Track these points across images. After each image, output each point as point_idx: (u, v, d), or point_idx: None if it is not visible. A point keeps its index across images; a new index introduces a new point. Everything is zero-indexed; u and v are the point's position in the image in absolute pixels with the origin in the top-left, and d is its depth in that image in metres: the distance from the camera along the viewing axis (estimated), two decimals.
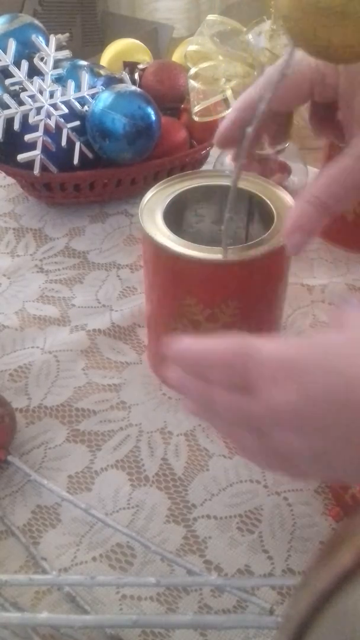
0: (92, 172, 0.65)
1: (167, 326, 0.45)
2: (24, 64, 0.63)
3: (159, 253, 0.40)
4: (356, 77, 0.34)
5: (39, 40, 0.66)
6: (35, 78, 0.63)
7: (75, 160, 0.64)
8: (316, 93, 0.36)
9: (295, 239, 0.37)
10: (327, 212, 0.36)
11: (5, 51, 0.63)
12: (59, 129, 0.62)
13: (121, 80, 0.69)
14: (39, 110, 0.62)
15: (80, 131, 0.64)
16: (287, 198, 0.44)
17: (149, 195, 0.45)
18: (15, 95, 0.62)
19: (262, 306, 0.44)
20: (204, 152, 0.70)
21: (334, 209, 0.36)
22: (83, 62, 0.69)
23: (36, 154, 0.61)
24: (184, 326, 0.43)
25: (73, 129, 0.63)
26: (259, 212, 0.46)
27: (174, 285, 0.42)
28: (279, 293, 0.45)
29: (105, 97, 0.62)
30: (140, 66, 0.73)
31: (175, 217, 0.46)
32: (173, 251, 0.40)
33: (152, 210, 0.43)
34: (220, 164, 0.66)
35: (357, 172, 0.35)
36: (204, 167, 0.74)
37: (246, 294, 0.41)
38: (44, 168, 0.62)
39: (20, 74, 0.63)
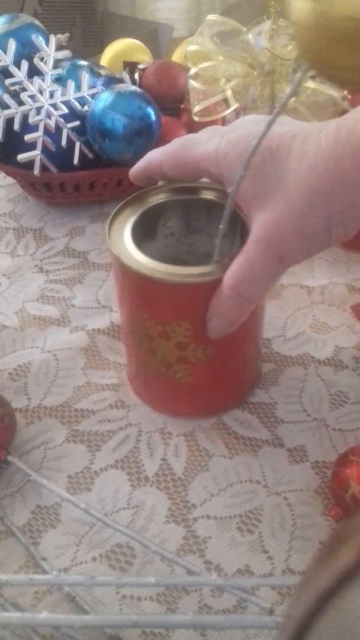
0: (92, 172, 0.65)
1: (128, 337, 0.45)
2: (24, 64, 0.63)
3: (115, 261, 0.40)
4: (233, 164, 0.37)
5: (39, 40, 0.66)
6: (35, 78, 0.63)
7: (75, 160, 0.64)
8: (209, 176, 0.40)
9: (215, 326, 0.39)
10: (251, 305, 0.38)
11: (5, 51, 0.63)
12: (59, 129, 0.62)
13: (121, 80, 0.69)
14: (39, 110, 0.62)
15: (80, 131, 0.64)
16: None
17: (128, 200, 0.45)
18: (15, 95, 0.62)
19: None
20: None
21: (256, 301, 0.39)
22: (83, 62, 0.70)
23: (36, 154, 0.61)
24: (140, 339, 0.43)
25: (73, 129, 0.63)
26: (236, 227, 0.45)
27: (130, 296, 0.42)
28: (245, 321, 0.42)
29: (105, 97, 0.62)
30: (140, 66, 0.73)
31: (148, 229, 0.45)
32: (123, 262, 0.39)
33: (126, 216, 0.43)
34: None
35: (262, 265, 0.36)
36: None
37: (198, 317, 0.40)
38: (44, 168, 0.62)
39: (20, 74, 0.63)
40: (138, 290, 0.40)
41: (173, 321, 0.40)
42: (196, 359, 0.42)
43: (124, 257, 0.39)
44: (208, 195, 0.45)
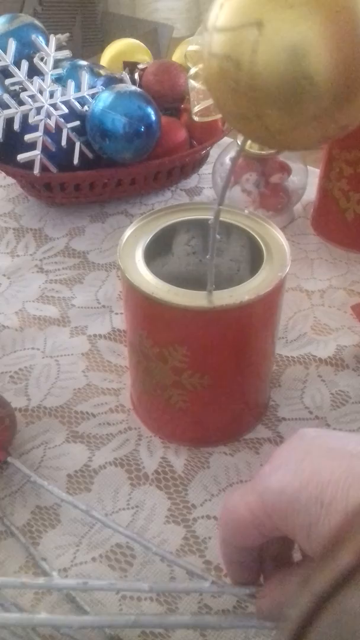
0: (92, 172, 0.65)
1: (130, 352, 0.44)
2: (24, 64, 0.63)
3: (121, 273, 0.39)
4: (309, 509, 0.26)
5: (39, 40, 0.66)
6: (35, 78, 0.63)
7: (75, 160, 0.63)
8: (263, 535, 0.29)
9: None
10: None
11: (5, 51, 0.63)
12: (59, 129, 0.62)
13: (121, 80, 0.69)
14: (39, 110, 0.62)
15: (80, 131, 0.64)
16: (282, 240, 0.41)
17: (145, 216, 0.43)
18: (15, 95, 0.62)
19: (220, 361, 0.40)
20: (204, 152, 0.70)
21: None
22: (83, 62, 0.69)
23: (36, 154, 0.61)
24: (138, 357, 0.42)
25: (73, 129, 0.63)
26: (252, 254, 0.44)
27: (131, 312, 0.41)
28: (243, 351, 0.41)
29: (105, 97, 0.62)
30: (140, 66, 0.73)
31: (167, 245, 0.44)
32: (126, 276, 0.38)
33: (144, 230, 0.42)
34: (220, 164, 0.66)
35: None
36: (205, 167, 0.74)
37: (195, 344, 0.39)
38: (44, 168, 0.62)
39: (20, 74, 0.63)
40: (138, 306, 0.40)
41: (170, 344, 0.39)
42: (191, 386, 0.41)
43: (129, 271, 0.39)
44: (226, 216, 0.43)
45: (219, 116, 0.69)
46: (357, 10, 0.23)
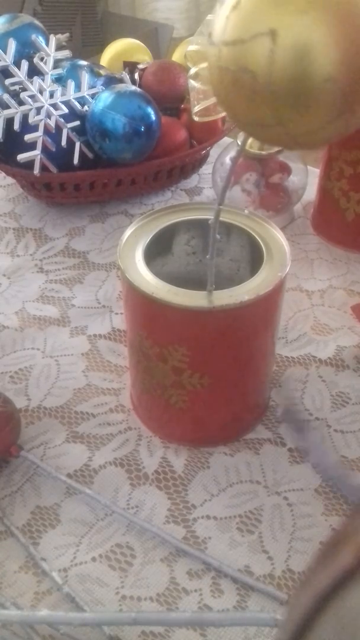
0: (92, 172, 0.65)
1: (130, 352, 0.44)
2: (24, 64, 0.63)
3: (121, 274, 0.39)
4: None
5: (39, 40, 0.66)
6: (35, 78, 0.63)
7: (75, 160, 0.63)
8: None
9: None
10: None
11: (5, 51, 0.63)
12: (59, 129, 0.62)
13: (121, 80, 0.69)
14: (39, 110, 0.62)
15: (80, 131, 0.64)
16: (282, 240, 0.41)
17: (146, 216, 0.43)
18: (15, 95, 0.62)
19: (220, 361, 0.40)
20: (204, 152, 0.70)
21: None
22: (83, 62, 0.69)
23: (36, 154, 0.61)
24: (138, 357, 0.42)
25: (73, 129, 0.63)
26: (252, 254, 0.44)
27: (131, 312, 0.41)
28: (243, 351, 0.40)
29: (105, 97, 0.62)
30: (140, 66, 0.73)
31: (167, 245, 0.44)
32: (126, 276, 0.38)
33: (144, 230, 0.42)
34: (221, 164, 0.66)
35: None
36: (205, 167, 0.74)
37: (195, 343, 0.39)
38: (44, 168, 0.62)
39: (20, 74, 0.63)
40: (138, 306, 0.40)
41: (170, 344, 0.39)
42: (191, 386, 0.41)
43: (129, 271, 0.39)
44: (226, 216, 0.43)
45: (219, 116, 0.69)
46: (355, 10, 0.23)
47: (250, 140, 0.60)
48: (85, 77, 0.66)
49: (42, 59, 0.65)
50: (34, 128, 0.61)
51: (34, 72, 0.64)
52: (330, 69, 0.23)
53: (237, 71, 0.25)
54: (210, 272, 0.38)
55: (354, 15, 0.23)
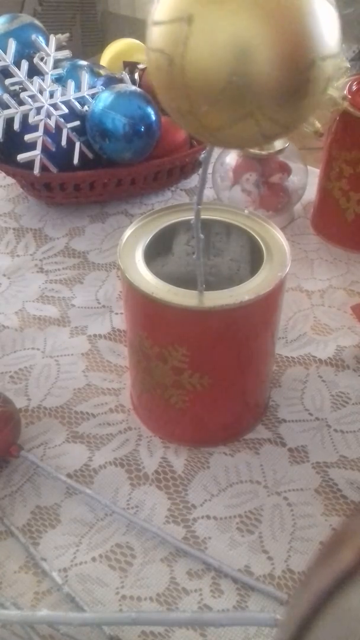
0: (92, 172, 0.65)
1: (130, 352, 0.44)
2: (24, 64, 0.63)
3: (121, 274, 0.39)
4: None
5: (39, 40, 0.66)
6: (35, 78, 0.63)
7: (75, 160, 0.63)
8: None
9: None
10: None
11: (5, 51, 0.63)
12: (59, 129, 0.62)
13: (121, 80, 0.69)
14: (39, 110, 0.62)
15: (80, 131, 0.64)
16: (282, 240, 0.41)
17: (146, 216, 0.43)
18: (15, 95, 0.62)
19: (220, 361, 0.40)
20: (204, 152, 0.70)
21: None
22: (83, 62, 0.69)
23: (36, 154, 0.61)
24: (138, 357, 0.42)
25: (73, 129, 0.63)
26: (252, 254, 0.44)
27: (131, 312, 0.41)
28: (243, 351, 0.40)
29: (105, 97, 0.62)
30: (140, 66, 0.73)
31: (167, 245, 0.44)
32: (126, 276, 0.38)
33: (144, 230, 0.42)
34: (221, 164, 0.66)
35: None
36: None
37: (195, 343, 0.39)
38: (44, 168, 0.62)
39: (20, 74, 0.63)
40: (138, 306, 0.40)
41: (169, 344, 0.39)
42: (191, 386, 0.41)
43: (129, 271, 0.39)
44: (226, 216, 0.43)
45: None
46: (293, 9, 0.23)
47: None
48: (85, 77, 0.66)
49: (42, 59, 0.65)
50: (34, 128, 0.61)
51: (34, 72, 0.64)
52: (240, 63, 0.23)
53: (157, 52, 0.24)
54: (199, 272, 0.38)
55: (275, 12, 0.23)
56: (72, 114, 0.64)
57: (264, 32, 0.22)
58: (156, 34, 0.25)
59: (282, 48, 0.23)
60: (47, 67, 0.64)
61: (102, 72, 0.71)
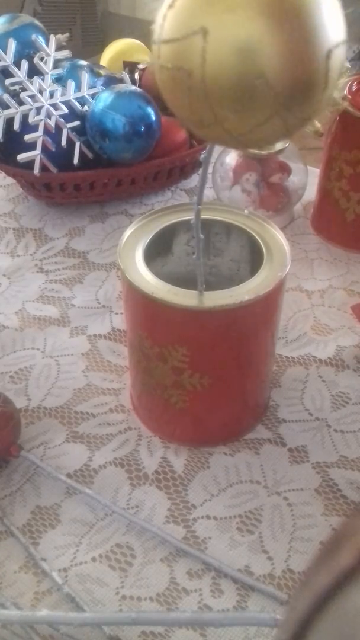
0: (92, 172, 0.65)
1: (130, 352, 0.44)
2: (24, 64, 0.63)
3: (122, 274, 0.39)
4: None
5: (39, 40, 0.66)
6: (35, 78, 0.63)
7: (75, 160, 0.63)
8: None
9: None
10: None
11: (5, 51, 0.63)
12: (59, 129, 0.62)
13: (121, 80, 0.69)
14: (39, 110, 0.62)
15: (80, 131, 0.64)
16: (282, 240, 0.41)
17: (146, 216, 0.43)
18: (15, 95, 0.62)
19: (220, 361, 0.40)
20: (203, 152, 0.70)
21: None
22: (83, 62, 0.69)
23: (36, 154, 0.61)
24: (138, 357, 0.42)
25: (73, 129, 0.63)
26: (252, 254, 0.44)
27: (131, 312, 0.41)
28: (243, 351, 0.40)
29: (105, 97, 0.62)
30: (140, 66, 0.73)
31: (167, 246, 0.44)
32: (126, 276, 0.38)
33: (143, 231, 0.42)
34: (221, 164, 0.66)
35: None
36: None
37: (195, 344, 0.39)
38: (44, 168, 0.62)
39: (20, 74, 0.63)
40: (138, 306, 0.40)
41: (169, 344, 0.38)
42: (192, 386, 0.41)
43: (129, 271, 0.39)
44: (226, 216, 0.43)
45: None
46: (303, 5, 0.23)
47: None
48: (85, 77, 0.66)
49: (42, 59, 0.65)
50: (34, 128, 0.61)
51: (34, 72, 0.64)
52: (261, 67, 0.23)
53: (173, 69, 0.25)
54: (199, 272, 0.38)
55: (286, 13, 0.23)
56: (72, 114, 0.64)
57: (279, 33, 0.23)
58: (169, 52, 0.25)
59: (299, 45, 0.23)
60: (47, 67, 0.64)
61: (102, 72, 0.71)
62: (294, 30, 0.23)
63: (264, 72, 0.23)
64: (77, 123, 0.63)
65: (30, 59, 0.64)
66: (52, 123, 0.62)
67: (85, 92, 0.65)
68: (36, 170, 0.61)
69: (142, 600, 0.37)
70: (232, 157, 0.65)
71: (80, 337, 0.54)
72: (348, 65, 0.57)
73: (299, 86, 0.24)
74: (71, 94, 0.64)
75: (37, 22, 0.70)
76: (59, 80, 0.66)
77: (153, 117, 0.63)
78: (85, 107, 0.64)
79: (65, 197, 0.67)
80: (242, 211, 0.44)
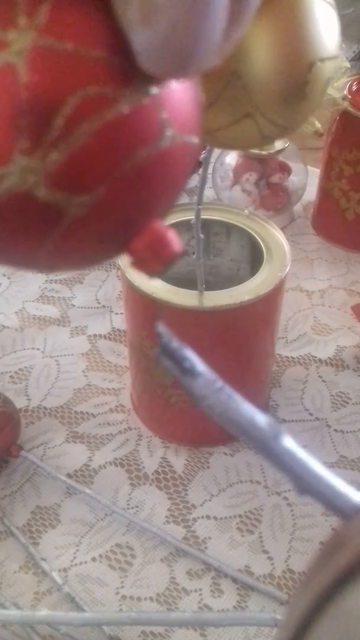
0: None
1: (130, 352, 0.44)
2: None
3: (121, 274, 0.39)
4: None
5: None
6: None
7: None
8: None
9: None
10: None
11: None
12: None
13: None
14: None
15: None
16: (282, 240, 0.41)
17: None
18: None
19: (219, 361, 0.40)
20: (204, 152, 0.70)
21: None
22: None
23: None
24: (138, 356, 0.42)
25: None
26: (252, 254, 0.44)
27: (131, 312, 0.41)
28: (243, 351, 0.40)
29: None
30: None
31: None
32: (126, 276, 0.38)
33: None
34: (220, 164, 0.66)
35: None
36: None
37: (195, 343, 0.39)
38: None
39: None
40: (138, 306, 0.40)
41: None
42: None
43: (129, 271, 0.39)
44: (226, 216, 0.43)
45: None
46: (292, 12, 0.23)
47: None
48: None
49: None
50: None
51: None
52: (243, 66, 0.23)
53: None
54: (199, 272, 0.37)
55: (274, 18, 0.23)
56: None
57: (262, 34, 0.23)
58: None
59: (281, 50, 0.23)
60: None
61: None
62: (278, 33, 0.23)
63: (240, 70, 0.23)
64: None
65: None
66: None
67: None
68: None
69: (142, 600, 0.37)
70: (232, 157, 0.65)
71: (80, 337, 0.54)
72: (348, 65, 0.57)
73: (275, 92, 0.23)
74: None
75: None
76: None
77: None
78: None
79: None
80: (242, 211, 0.44)
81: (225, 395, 0.15)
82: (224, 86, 0.23)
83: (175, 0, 0.11)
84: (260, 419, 0.14)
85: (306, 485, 0.14)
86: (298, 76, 0.23)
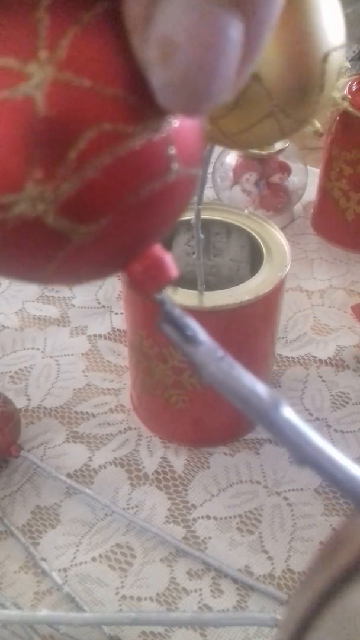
0: None
1: (130, 353, 0.44)
2: None
3: (121, 273, 0.39)
4: None
5: None
6: None
7: None
8: None
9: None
10: None
11: None
12: None
13: None
14: None
15: None
16: (282, 240, 0.41)
17: None
18: None
19: None
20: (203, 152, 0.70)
21: None
22: None
23: None
24: (138, 356, 0.42)
25: None
26: (252, 254, 0.44)
27: (131, 312, 0.41)
28: (243, 351, 0.40)
29: None
30: None
31: (167, 246, 0.44)
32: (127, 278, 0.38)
33: None
34: (220, 164, 0.66)
35: None
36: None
37: None
38: None
39: None
40: (138, 306, 0.40)
41: (170, 344, 0.39)
42: (192, 386, 0.41)
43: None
44: (226, 216, 0.43)
45: None
46: (301, 8, 0.23)
47: None
48: None
49: None
50: None
51: None
52: (260, 68, 0.23)
53: None
54: (199, 272, 0.37)
55: (283, 14, 0.23)
56: None
57: (276, 36, 0.23)
58: None
59: (297, 48, 0.23)
60: None
61: None
62: (290, 32, 0.23)
63: (259, 73, 0.23)
64: None
65: None
66: None
67: None
68: None
69: (142, 600, 0.37)
70: (232, 157, 0.65)
71: (80, 337, 0.54)
72: (348, 65, 0.57)
73: (294, 88, 0.24)
74: None
75: None
76: None
77: None
78: None
79: None
80: (242, 211, 0.44)
81: (226, 364, 0.16)
82: (244, 91, 0.24)
83: (196, 40, 0.11)
84: (261, 388, 0.14)
85: (305, 455, 0.14)
86: (316, 69, 0.24)
